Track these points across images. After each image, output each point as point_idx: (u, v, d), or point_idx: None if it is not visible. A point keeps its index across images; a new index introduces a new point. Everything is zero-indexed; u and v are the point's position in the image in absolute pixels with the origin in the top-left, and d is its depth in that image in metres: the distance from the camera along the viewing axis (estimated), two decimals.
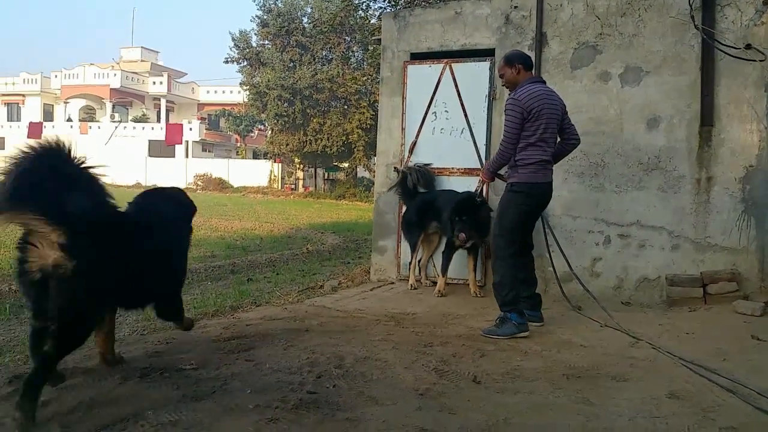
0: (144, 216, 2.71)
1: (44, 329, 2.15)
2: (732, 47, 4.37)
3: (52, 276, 2.09)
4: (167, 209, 2.87)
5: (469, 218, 4.53)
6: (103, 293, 2.31)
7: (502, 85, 4.00)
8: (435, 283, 5.05)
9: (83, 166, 2.28)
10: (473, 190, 4.31)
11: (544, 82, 3.78)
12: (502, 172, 3.86)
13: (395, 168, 5.48)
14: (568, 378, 2.75)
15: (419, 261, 5.28)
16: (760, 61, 4.32)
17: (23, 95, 39.21)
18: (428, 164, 5.25)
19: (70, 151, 2.24)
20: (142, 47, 42.12)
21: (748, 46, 4.36)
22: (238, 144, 38.76)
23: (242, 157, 36.49)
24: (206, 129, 38.15)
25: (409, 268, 5.23)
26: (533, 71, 3.87)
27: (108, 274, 2.27)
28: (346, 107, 25.38)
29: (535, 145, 3.58)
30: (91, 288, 2.18)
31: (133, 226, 2.58)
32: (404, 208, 5.40)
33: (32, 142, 2.26)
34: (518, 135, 3.56)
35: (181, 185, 21.36)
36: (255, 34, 27.05)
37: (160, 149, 33.33)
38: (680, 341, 3.44)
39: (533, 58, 4.77)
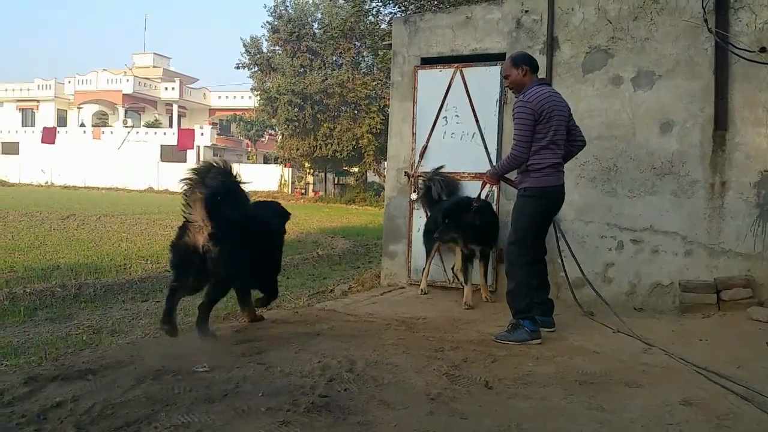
0: (259, 221, 3.65)
1: (181, 285, 3.27)
2: (746, 50, 4.33)
3: (203, 253, 3.13)
4: (272, 217, 3.86)
5: (453, 221, 4.49)
6: (237, 268, 3.30)
7: (506, 87, 3.96)
8: (445, 287, 5.05)
9: (238, 181, 3.36)
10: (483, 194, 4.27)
11: (549, 85, 3.76)
12: (512, 177, 3.84)
13: (405, 172, 5.48)
14: (581, 384, 2.73)
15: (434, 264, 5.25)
16: None
17: (37, 101, 39.75)
18: (440, 167, 5.21)
19: (232, 169, 3.36)
20: (154, 53, 42.58)
21: (763, 49, 4.31)
22: (249, 149, 38.98)
23: (253, 162, 36.68)
24: (217, 134, 38.42)
25: (422, 274, 5.22)
26: (543, 75, 3.85)
27: (238, 257, 3.25)
28: (356, 112, 25.45)
29: (547, 148, 3.56)
30: (227, 263, 3.19)
31: (254, 226, 3.47)
32: (414, 213, 5.41)
33: (195, 161, 3.08)
34: (531, 137, 3.53)
35: None
36: (266, 39, 27.29)
37: (172, 154, 33.55)
38: (694, 348, 3.41)
39: (545, 63, 4.78)
